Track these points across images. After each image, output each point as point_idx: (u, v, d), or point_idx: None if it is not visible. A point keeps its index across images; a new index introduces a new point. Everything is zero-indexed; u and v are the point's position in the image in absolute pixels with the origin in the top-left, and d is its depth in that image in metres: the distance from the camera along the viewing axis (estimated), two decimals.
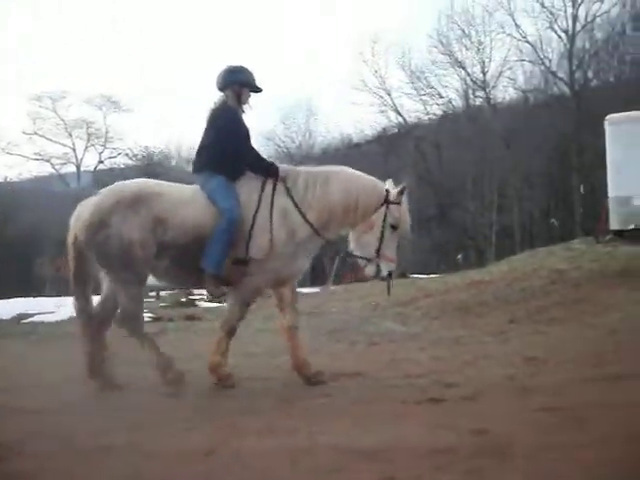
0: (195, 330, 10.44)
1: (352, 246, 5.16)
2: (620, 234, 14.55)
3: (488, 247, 33.11)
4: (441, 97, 39.10)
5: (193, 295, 23.66)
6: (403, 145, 39.26)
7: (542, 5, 34.68)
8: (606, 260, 11.29)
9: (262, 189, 5.00)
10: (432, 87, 38.78)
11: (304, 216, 4.93)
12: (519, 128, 33.21)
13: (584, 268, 9.65)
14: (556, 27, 35.07)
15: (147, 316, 13.58)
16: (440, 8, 37.34)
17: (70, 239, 5.06)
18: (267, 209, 4.91)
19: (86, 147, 45.80)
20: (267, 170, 5.11)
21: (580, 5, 34.41)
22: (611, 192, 14.62)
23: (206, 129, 5.24)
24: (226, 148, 5.04)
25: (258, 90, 5.36)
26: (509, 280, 9.92)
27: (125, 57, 66.36)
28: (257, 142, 51.77)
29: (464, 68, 37.51)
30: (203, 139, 5.26)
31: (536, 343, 5.33)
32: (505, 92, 39.13)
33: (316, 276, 43.40)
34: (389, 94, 39.46)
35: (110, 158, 45.40)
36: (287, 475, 3.03)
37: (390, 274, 5.02)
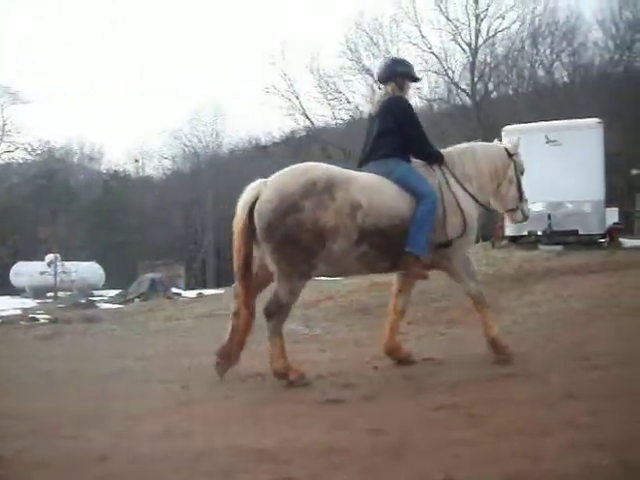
0: (93, 333, 10.15)
1: (496, 206, 5.67)
2: (515, 240, 15.20)
3: None
4: (349, 102, 39.73)
5: (93, 297, 23.01)
6: (311, 148, 39.55)
7: (447, 18, 35.93)
8: (501, 264, 11.79)
9: (435, 173, 5.19)
10: (340, 92, 39.37)
11: (470, 193, 5.22)
12: None
13: (480, 272, 9.98)
14: (460, 40, 36.39)
15: (43, 317, 13.12)
16: (349, 15, 37.95)
17: (240, 226, 4.67)
18: (448, 191, 5.10)
19: None
20: (434, 155, 5.26)
21: (483, 20, 35.85)
22: None
23: (380, 118, 5.22)
24: (409, 134, 5.15)
25: (417, 80, 5.74)
26: None
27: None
28: (164, 141, 50.99)
29: (371, 75, 38.20)
30: (379, 128, 5.21)
31: (433, 344, 5.48)
32: (411, 100, 40.11)
33: (220, 277, 42.73)
34: (297, 97, 39.71)
35: (7, 152, 43.22)
36: (184, 479, 2.98)
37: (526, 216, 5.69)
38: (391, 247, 4.79)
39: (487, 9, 35.90)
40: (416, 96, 38.21)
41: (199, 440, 3.55)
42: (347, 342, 5.83)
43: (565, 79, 39.72)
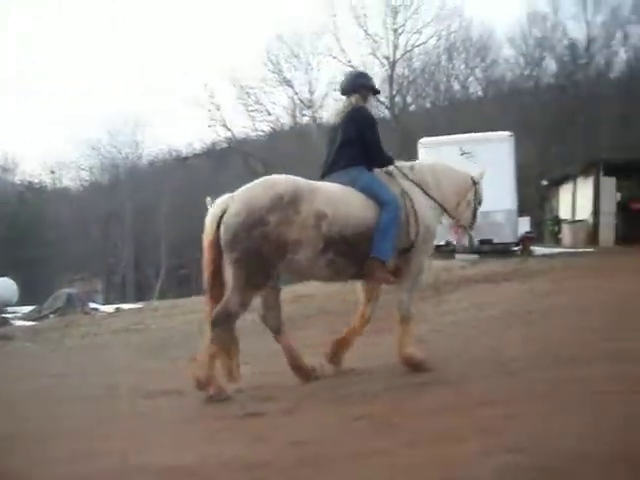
0: (6, 351, 9.78)
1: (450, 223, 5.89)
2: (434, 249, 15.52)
3: None
4: (269, 114, 39.76)
5: (6, 313, 22.09)
6: (232, 160, 39.35)
7: (366, 32, 36.56)
8: None
9: (396, 180, 5.33)
10: (261, 104, 39.34)
11: (435, 199, 5.44)
12: None
13: None
14: (378, 54, 37.04)
15: None
16: (270, 27, 38.17)
17: (209, 239, 4.75)
18: (407, 197, 5.25)
19: None
20: (387, 160, 5.41)
21: (401, 35, 36.67)
22: None
23: (343, 128, 5.31)
24: (370, 143, 5.28)
25: (378, 92, 6.06)
26: (332, 294, 10.23)
27: None
28: (81, 151, 49.69)
29: (292, 87, 38.48)
30: (342, 137, 5.28)
31: (354, 354, 5.52)
32: (331, 112, 40.53)
33: (140, 291, 41.98)
34: (218, 109, 39.42)
35: None
36: None
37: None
38: (357, 254, 4.92)
39: (405, 24, 36.80)
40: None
41: (118, 460, 3.46)
42: (270, 355, 5.79)
43: (479, 93, 41.19)
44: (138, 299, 30.34)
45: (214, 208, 4.85)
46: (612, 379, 4.12)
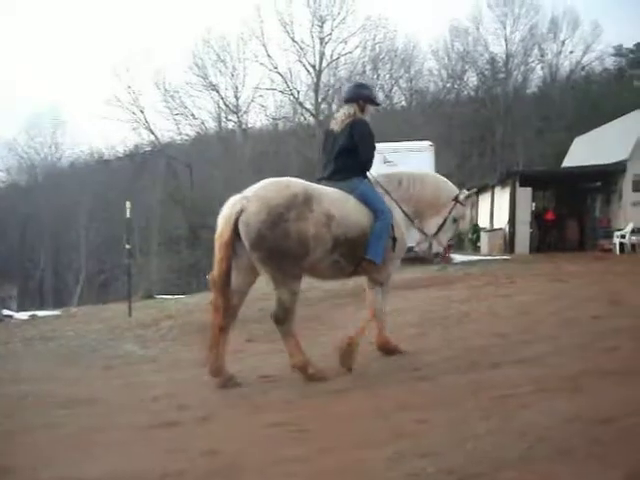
0: None
1: (417, 226, 5.95)
2: None
3: None
4: (194, 118, 39.35)
5: None
6: (155, 163, 38.74)
7: (293, 40, 36.72)
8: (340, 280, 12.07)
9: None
10: (186, 107, 38.89)
11: (402, 209, 5.69)
12: (268, 153, 34.61)
13: (319, 288, 10.19)
14: (305, 62, 37.25)
15: None
16: (197, 31, 37.83)
17: (225, 238, 4.93)
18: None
19: None
20: (369, 168, 5.67)
21: (327, 44, 36.99)
22: None
23: (344, 137, 5.57)
24: (366, 157, 5.57)
25: (378, 104, 6.15)
26: (249, 300, 10.13)
27: None
28: None
29: (218, 91, 38.20)
30: (342, 146, 5.55)
31: (271, 361, 5.51)
32: (256, 118, 40.55)
33: (59, 297, 40.69)
34: (142, 111, 38.72)
35: None
36: None
37: (437, 254, 6.10)
38: (354, 255, 5.29)
39: (331, 33, 37.16)
40: (261, 113, 38.87)
41: (25, 474, 3.38)
42: (185, 363, 5.72)
43: (403, 103, 42.00)
44: (56, 305, 29.38)
45: (227, 209, 5.02)
46: (523, 383, 4.25)
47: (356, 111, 5.68)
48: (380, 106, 6.33)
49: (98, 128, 75.52)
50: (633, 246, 17.42)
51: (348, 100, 5.79)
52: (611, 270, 12.11)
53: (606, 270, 12.16)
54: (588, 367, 4.51)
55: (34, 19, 68.69)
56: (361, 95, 5.78)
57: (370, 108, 5.85)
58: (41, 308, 28.21)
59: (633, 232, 17.59)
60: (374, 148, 5.67)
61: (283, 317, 5.04)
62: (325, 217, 5.06)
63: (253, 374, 5.42)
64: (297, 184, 5.13)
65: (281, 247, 4.87)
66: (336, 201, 5.23)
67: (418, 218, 5.89)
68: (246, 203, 4.93)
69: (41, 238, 44.30)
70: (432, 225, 5.92)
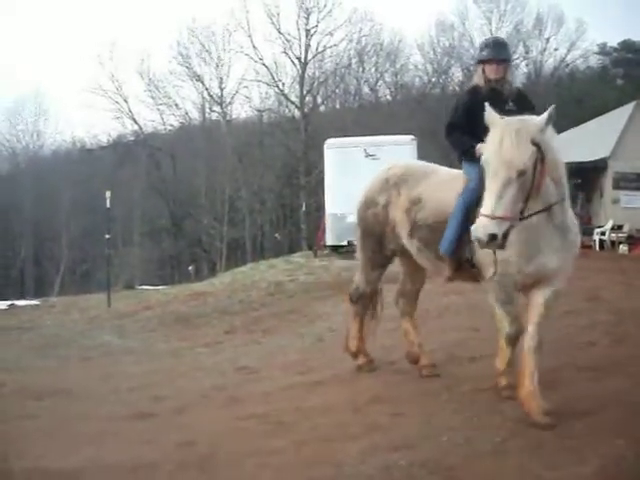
0: None
1: None
2: (336, 249, 15.71)
3: (220, 259, 33.64)
4: (178, 108, 39.03)
5: None
6: (138, 154, 38.45)
7: (279, 31, 36.40)
8: (320, 273, 12.08)
9: None
10: (170, 97, 38.55)
11: None
12: (252, 145, 34.49)
13: (299, 280, 10.21)
14: (290, 54, 37.03)
15: None
16: (182, 20, 37.44)
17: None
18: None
19: None
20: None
21: (313, 36, 36.81)
22: (328, 210, 15.77)
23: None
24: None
25: (503, 60, 4.60)
26: (229, 292, 10.12)
27: None
28: None
29: (202, 82, 37.90)
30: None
31: (249, 353, 5.50)
32: (241, 109, 40.28)
33: (40, 287, 40.29)
34: (126, 101, 38.32)
35: None
36: None
37: None
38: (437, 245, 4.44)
39: (317, 25, 36.90)
40: (246, 105, 38.69)
41: None
42: (163, 353, 5.69)
43: (388, 97, 41.91)
44: (37, 295, 29.11)
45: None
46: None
47: (476, 76, 4.78)
48: (508, 61, 4.48)
49: (81, 117, 74.60)
50: (613, 243, 17.56)
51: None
52: (590, 266, 12.19)
53: (585, 266, 12.24)
54: (563, 362, 4.55)
55: (15, 6, 67.78)
56: (480, 58, 4.71)
57: (493, 68, 4.61)
58: (21, 298, 27.97)
59: (613, 229, 17.71)
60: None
61: (356, 300, 5.17)
62: (409, 202, 4.66)
63: (231, 366, 5.41)
64: (397, 168, 4.93)
65: (370, 231, 4.94)
66: (435, 184, 4.66)
67: None
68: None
69: (22, 227, 43.82)
70: None
